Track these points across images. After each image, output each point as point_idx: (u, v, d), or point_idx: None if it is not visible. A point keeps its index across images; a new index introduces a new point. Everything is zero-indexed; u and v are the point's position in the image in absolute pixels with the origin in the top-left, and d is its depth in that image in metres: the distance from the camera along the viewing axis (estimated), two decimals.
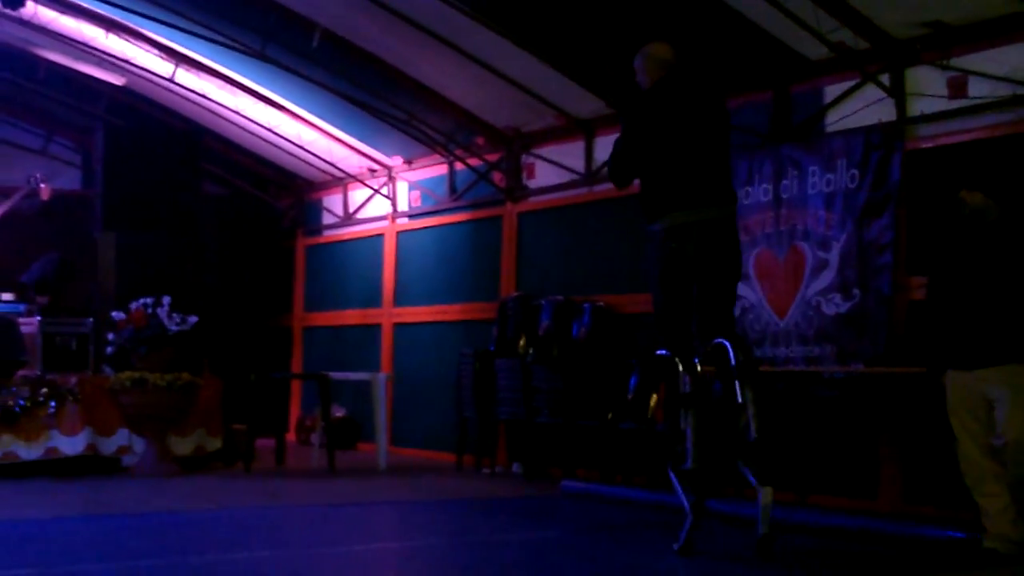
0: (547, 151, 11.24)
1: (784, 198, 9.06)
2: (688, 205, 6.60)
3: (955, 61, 8.08)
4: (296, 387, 14.47)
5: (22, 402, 10.00)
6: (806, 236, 8.87)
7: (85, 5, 11.60)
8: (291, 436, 13.71)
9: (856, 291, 8.49)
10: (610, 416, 9.70)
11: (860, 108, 8.61)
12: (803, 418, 8.57)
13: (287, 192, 15.11)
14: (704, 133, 6.70)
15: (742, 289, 9.26)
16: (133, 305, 10.37)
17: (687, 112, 6.74)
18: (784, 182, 9.06)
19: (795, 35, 8.59)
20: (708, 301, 6.64)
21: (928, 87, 8.25)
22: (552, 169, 11.16)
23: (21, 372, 10.36)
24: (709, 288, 6.64)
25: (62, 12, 11.77)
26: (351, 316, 13.71)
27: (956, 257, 6.56)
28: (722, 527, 7.41)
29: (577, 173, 10.90)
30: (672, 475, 6.57)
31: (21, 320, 10.93)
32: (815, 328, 8.74)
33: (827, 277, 8.71)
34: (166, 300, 10.34)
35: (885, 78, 8.43)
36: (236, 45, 11.12)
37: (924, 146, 8.28)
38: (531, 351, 10.43)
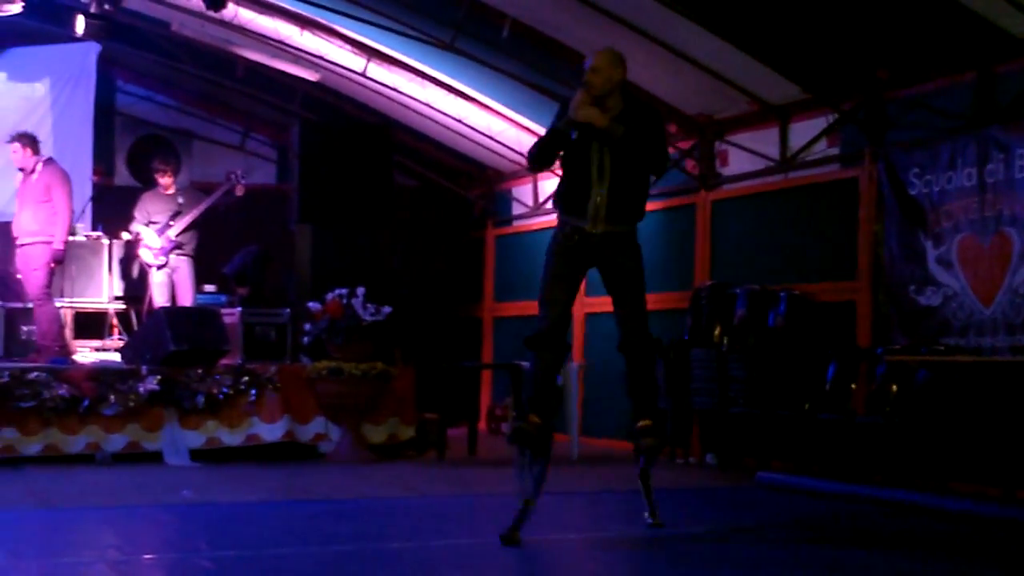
0: (740, 138, 11.08)
1: (989, 183, 8.74)
2: None
3: None
4: (487, 376, 14.56)
5: (225, 390, 10.28)
6: (1013, 221, 8.54)
7: (282, 4, 11.86)
8: (482, 425, 13.81)
9: None
10: (807, 406, 9.53)
11: None
12: (1011, 411, 8.26)
13: (477, 183, 15.21)
14: None
15: (945, 277, 9.01)
16: (329, 296, 10.55)
17: None
18: (989, 166, 8.75)
19: (1000, 10, 8.28)
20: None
21: None
22: (746, 156, 11.00)
23: (224, 361, 10.64)
24: None
25: (260, 12, 12.06)
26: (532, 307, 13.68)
27: None
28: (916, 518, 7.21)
29: (771, 160, 10.72)
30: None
31: (223, 311, 11.21)
32: (1023, 317, 8.43)
33: None
34: (360, 291, 10.49)
35: None
36: (427, 38, 11.23)
37: None
38: (726, 341, 10.30)
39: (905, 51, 9.28)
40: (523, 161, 13.87)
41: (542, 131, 12.77)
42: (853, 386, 9.46)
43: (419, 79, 12.76)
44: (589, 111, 6.63)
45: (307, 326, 10.61)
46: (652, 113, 6.99)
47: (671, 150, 11.76)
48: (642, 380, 6.85)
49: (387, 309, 10.55)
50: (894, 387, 8.94)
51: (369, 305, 10.48)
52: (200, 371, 10.28)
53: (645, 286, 6.88)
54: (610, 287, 6.92)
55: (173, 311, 11.13)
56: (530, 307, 13.80)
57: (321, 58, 12.72)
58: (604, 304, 12.48)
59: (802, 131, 10.48)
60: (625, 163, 6.66)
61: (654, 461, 7.03)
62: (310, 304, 10.62)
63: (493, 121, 13.16)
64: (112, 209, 13.05)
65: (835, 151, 10.24)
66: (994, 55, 8.77)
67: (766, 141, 10.77)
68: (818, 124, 10.28)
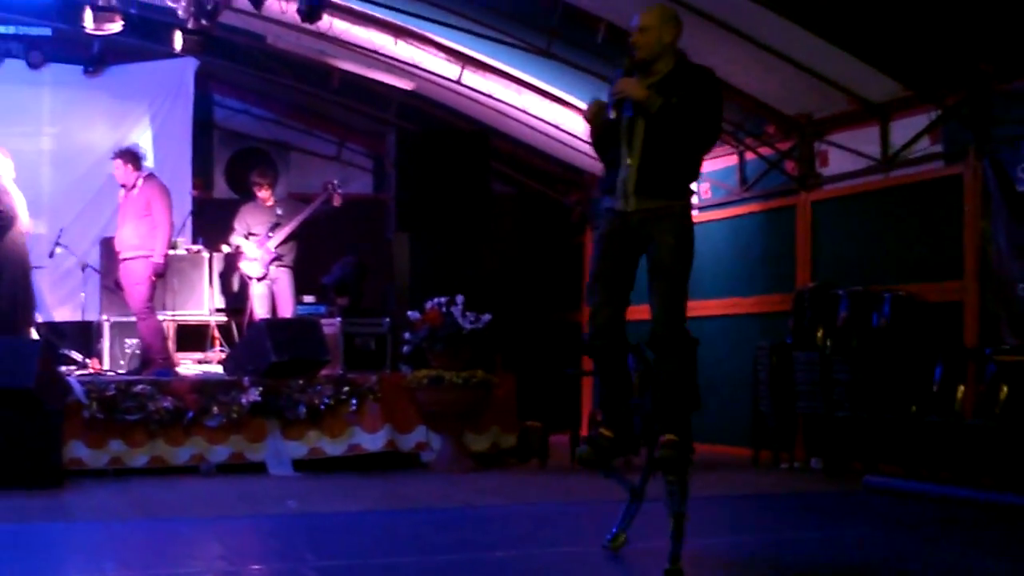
0: (840, 137, 10.91)
1: None
2: None
3: None
4: (587, 382, 14.49)
5: (327, 400, 10.33)
6: None
7: (376, 14, 11.90)
8: (584, 432, 13.74)
9: None
10: (914, 409, 9.35)
11: None
12: None
13: (574, 188, 15.14)
14: None
15: None
16: (428, 305, 10.56)
17: None
18: None
19: None
20: None
21: None
22: (846, 156, 10.83)
23: (324, 371, 10.69)
24: None
25: (354, 23, 12.12)
26: (642, 311, 13.56)
27: None
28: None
29: (873, 159, 10.55)
30: None
31: (323, 321, 11.27)
32: None
33: None
34: (460, 299, 10.49)
35: None
36: (522, 44, 11.21)
37: None
38: (829, 343, 10.15)
39: (1010, 43, 9.07)
40: None
41: None
42: (961, 388, 9.26)
43: (515, 85, 12.74)
44: (624, 83, 5.93)
45: (407, 335, 10.63)
46: (705, 77, 6.07)
47: (769, 151, 11.64)
48: (667, 386, 5.89)
49: (487, 317, 10.53)
50: (1004, 388, 8.74)
51: (469, 313, 10.47)
52: (301, 382, 10.34)
53: (685, 271, 5.97)
54: (648, 273, 6.02)
55: (273, 322, 11.21)
56: (630, 312, 13.79)
57: (416, 67, 12.75)
58: (705, 308, 12.49)
59: (904, 129, 10.29)
60: (661, 134, 5.88)
61: (680, 491, 5.83)
62: (409, 313, 10.64)
63: None
64: (212, 222, 13.20)
65: (938, 148, 10.04)
66: None
67: (867, 140, 10.60)
68: (920, 121, 10.09)
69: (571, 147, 13.81)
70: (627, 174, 5.93)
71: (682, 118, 5.89)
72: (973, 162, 9.52)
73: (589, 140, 6.38)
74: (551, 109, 12.98)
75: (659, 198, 5.94)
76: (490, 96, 12.98)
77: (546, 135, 13.71)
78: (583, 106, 12.55)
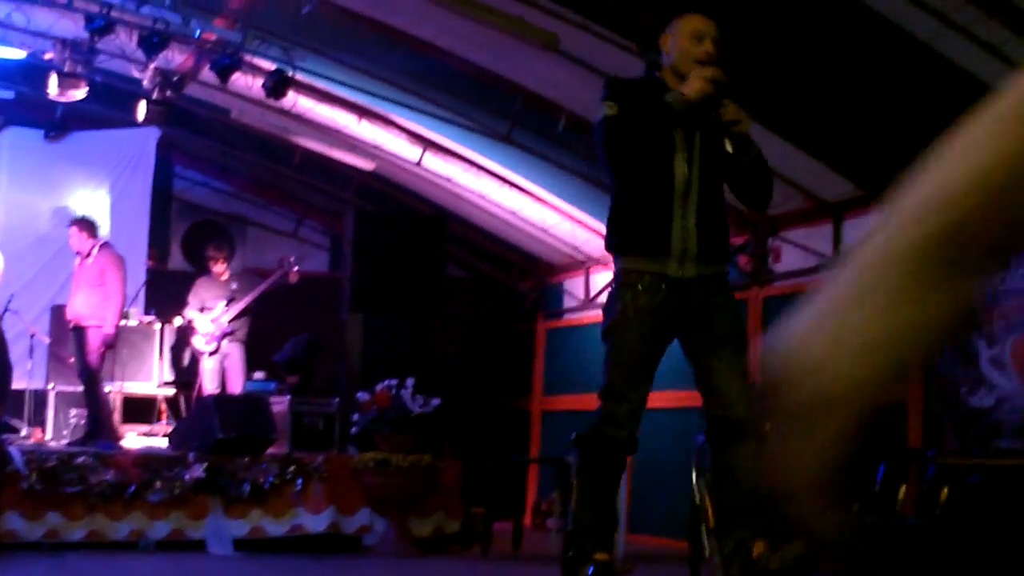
0: (794, 234, 11.01)
1: None
2: None
3: None
4: (533, 470, 14.44)
5: (271, 479, 10.21)
6: None
7: (341, 94, 11.98)
8: (527, 520, 13.66)
9: None
10: (856, 508, 9.36)
11: None
12: None
13: (528, 275, 15.20)
14: None
15: (998, 378, 8.86)
16: (378, 387, 10.51)
17: None
18: None
19: None
20: None
21: None
22: (799, 253, 10.94)
23: (271, 449, 10.60)
24: None
25: (319, 101, 12.20)
26: (591, 400, 13.49)
27: None
28: None
29: (825, 256, 10.65)
30: None
31: (272, 399, 11.21)
32: None
33: None
34: (410, 382, 10.45)
35: None
36: (483, 129, 11.30)
37: None
38: None
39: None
40: (576, 255, 13.87)
41: (597, 225, 12.85)
42: (903, 488, 9.29)
43: (474, 170, 12.81)
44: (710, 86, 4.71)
45: (355, 416, 10.58)
46: None
47: None
48: (747, 477, 4.66)
49: (436, 401, 10.50)
50: (945, 490, 8.77)
51: (418, 396, 10.44)
52: (247, 459, 10.24)
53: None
54: (700, 349, 5.10)
55: (222, 398, 11.15)
56: (580, 401, 13.80)
57: (378, 148, 12.82)
58: (652, 399, 12.42)
59: (856, 228, 10.39)
60: (718, 174, 4.96)
61: None
62: (359, 394, 10.59)
63: (547, 214, 13.17)
64: (165, 294, 13.16)
65: None
66: None
67: (820, 238, 10.70)
68: (872, 220, 10.19)
69: (526, 234, 13.88)
70: (686, 229, 4.97)
71: (755, 165, 5.01)
72: None
73: (608, 140, 5.20)
74: (509, 195, 13.04)
75: (717, 263, 5.13)
76: (449, 180, 13.05)
77: (503, 221, 13.78)
78: (541, 193, 12.54)
